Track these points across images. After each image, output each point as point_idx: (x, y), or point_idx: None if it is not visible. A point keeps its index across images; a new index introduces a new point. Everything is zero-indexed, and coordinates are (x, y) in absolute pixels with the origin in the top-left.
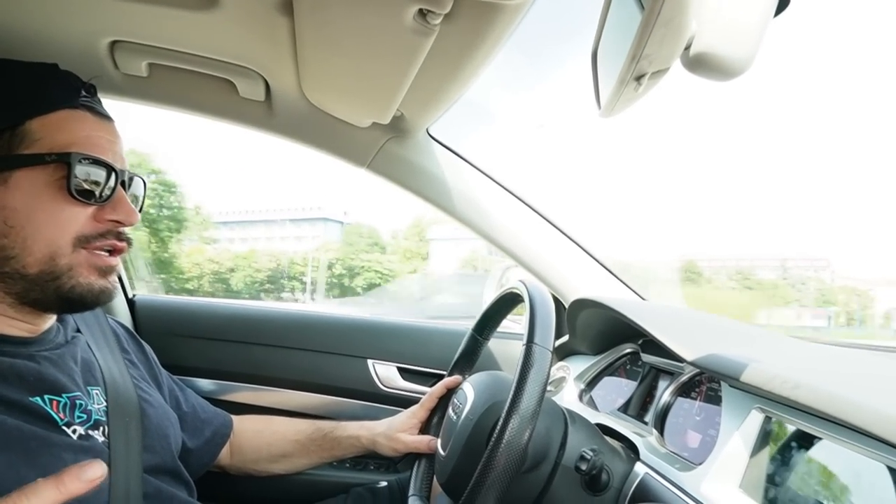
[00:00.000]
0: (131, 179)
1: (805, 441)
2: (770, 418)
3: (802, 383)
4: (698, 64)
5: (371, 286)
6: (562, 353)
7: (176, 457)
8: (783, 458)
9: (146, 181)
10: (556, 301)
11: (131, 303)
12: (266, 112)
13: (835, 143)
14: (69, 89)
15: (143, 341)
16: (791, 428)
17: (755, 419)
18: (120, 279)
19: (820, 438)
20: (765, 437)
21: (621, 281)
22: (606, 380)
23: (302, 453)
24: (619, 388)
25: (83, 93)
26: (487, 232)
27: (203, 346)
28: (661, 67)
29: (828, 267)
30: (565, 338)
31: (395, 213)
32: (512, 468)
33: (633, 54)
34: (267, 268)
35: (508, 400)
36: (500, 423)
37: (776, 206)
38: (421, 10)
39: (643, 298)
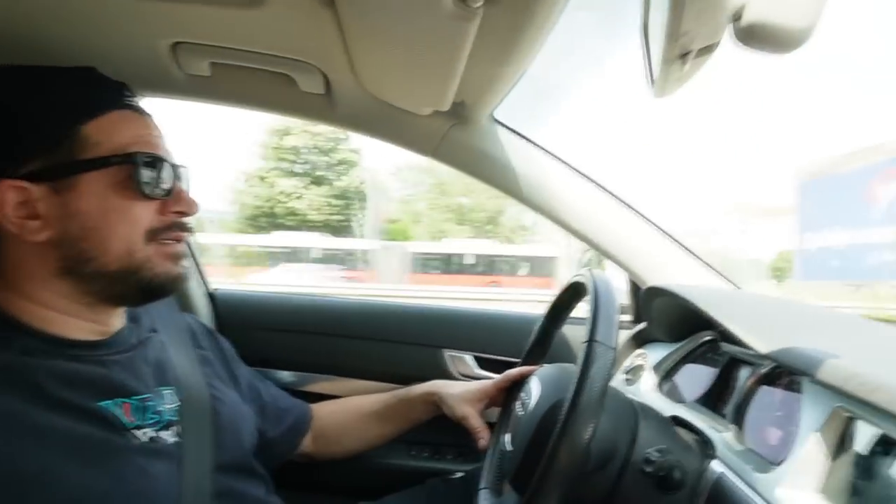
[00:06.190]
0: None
1: (891, 447)
2: (853, 419)
3: (883, 385)
4: (750, 36)
5: None
6: (640, 341)
7: (249, 454)
8: (867, 464)
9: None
10: (637, 287)
11: (211, 297)
12: (327, 104)
13: None
14: (113, 90)
15: (219, 336)
16: (876, 431)
17: (837, 419)
18: (200, 274)
19: None
20: (847, 439)
21: (708, 265)
22: (685, 369)
23: (380, 422)
24: (697, 378)
25: (126, 92)
26: (561, 217)
27: (282, 338)
28: (708, 43)
29: None
30: (643, 325)
31: None
32: (575, 468)
33: (671, 32)
34: None
35: (568, 399)
36: (559, 424)
37: None
38: None
39: (735, 284)
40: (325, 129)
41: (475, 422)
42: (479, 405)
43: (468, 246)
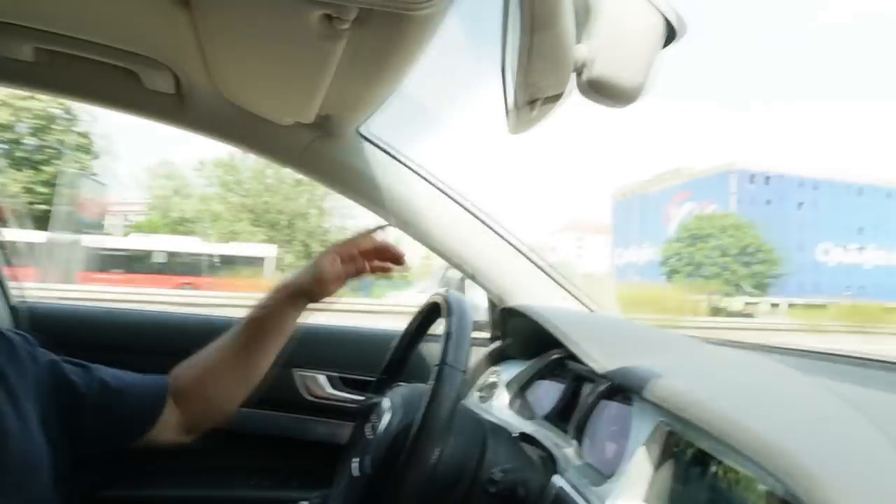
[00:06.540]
0: None
1: (703, 458)
2: (673, 433)
3: (695, 403)
4: (591, 89)
5: None
6: (495, 358)
7: (47, 489)
8: (683, 475)
9: None
10: (495, 306)
11: (14, 310)
12: (177, 106)
13: None
14: None
15: (15, 336)
16: (691, 444)
17: (660, 433)
18: (1, 283)
19: (714, 457)
20: (668, 452)
21: (562, 285)
22: (536, 385)
23: (248, 351)
24: (547, 395)
25: None
26: (423, 234)
27: (102, 358)
28: (554, 93)
29: None
30: (499, 342)
31: None
32: (422, 490)
33: (520, 81)
34: None
35: (416, 423)
36: (407, 447)
37: None
38: (327, 15)
39: (585, 304)
40: (35, 105)
41: (348, 275)
42: (346, 278)
43: (162, 242)
